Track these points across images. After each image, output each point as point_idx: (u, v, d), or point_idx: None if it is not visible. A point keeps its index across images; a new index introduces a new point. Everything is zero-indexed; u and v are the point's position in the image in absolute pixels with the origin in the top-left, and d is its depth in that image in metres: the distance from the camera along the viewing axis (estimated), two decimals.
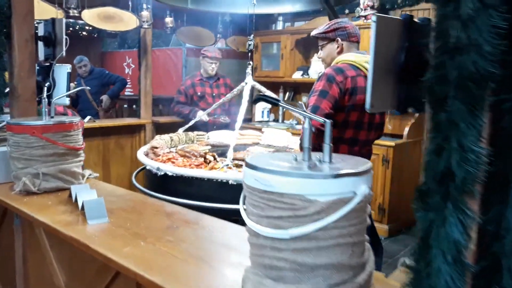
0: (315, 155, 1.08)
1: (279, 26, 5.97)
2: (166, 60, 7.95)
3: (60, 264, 1.73)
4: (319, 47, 2.65)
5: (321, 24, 5.44)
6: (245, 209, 1.09)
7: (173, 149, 3.66)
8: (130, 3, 4.60)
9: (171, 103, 7.83)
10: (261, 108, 6.10)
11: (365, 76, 2.40)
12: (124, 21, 4.55)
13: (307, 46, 5.88)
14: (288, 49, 5.70)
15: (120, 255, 1.23)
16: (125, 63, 8.80)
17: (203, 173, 2.78)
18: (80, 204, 1.61)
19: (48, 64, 2.31)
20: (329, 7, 3.79)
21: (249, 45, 3.46)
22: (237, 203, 2.61)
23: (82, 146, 2.02)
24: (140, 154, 3.29)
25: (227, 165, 2.83)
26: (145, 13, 4.67)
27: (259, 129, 4.50)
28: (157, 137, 3.66)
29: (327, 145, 1.04)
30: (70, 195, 1.78)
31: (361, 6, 5.06)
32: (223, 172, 2.78)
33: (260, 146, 3.92)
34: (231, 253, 1.27)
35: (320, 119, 1.05)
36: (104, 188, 2.00)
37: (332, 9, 3.84)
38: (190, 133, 3.98)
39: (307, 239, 0.94)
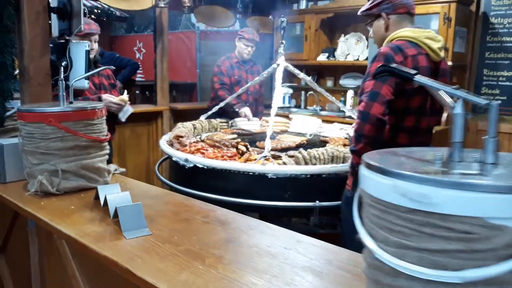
0: (469, 154, 0.74)
1: (302, 5, 5.57)
2: (178, 44, 7.59)
3: (85, 277, 1.42)
4: (367, 26, 2.33)
5: (349, 2, 5.07)
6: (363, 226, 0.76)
7: (197, 137, 3.34)
8: None
9: (186, 89, 7.58)
10: (282, 93, 5.74)
11: (427, 55, 2.06)
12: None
13: (333, 26, 5.49)
14: (313, 29, 5.31)
15: (176, 286, 0.92)
16: (136, 48, 8.45)
17: (238, 165, 2.46)
18: (111, 211, 1.29)
19: (63, 40, 1.97)
20: None
21: (282, 22, 3.10)
22: (277, 199, 2.28)
23: (107, 136, 1.70)
24: (163, 144, 2.98)
25: (265, 156, 2.51)
26: None
27: (285, 116, 4.16)
28: (180, 125, 3.33)
29: (492, 140, 0.71)
30: (96, 197, 1.47)
31: None
32: (260, 164, 2.45)
33: (290, 133, 3.59)
34: (325, 284, 0.95)
35: (476, 97, 0.72)
36: (136, 187, 1.67)
37: None
38: (213, 120, 3.65)
39: (485, 284, 0.62)
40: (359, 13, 2.35)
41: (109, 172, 1.72)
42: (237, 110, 3.80)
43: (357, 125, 1.96)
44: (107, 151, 1.71)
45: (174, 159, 2.71)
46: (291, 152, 2.65)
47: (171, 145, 2.95)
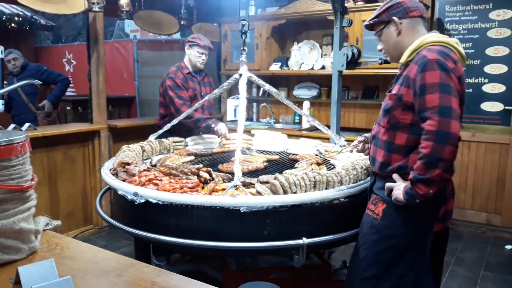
0: None
1: (251, 11, 5.21)
2: (114, 54, 6.96)
3: None
4: (377, 38, 2.00)
5: (301, 8, 4.77)
6: None
7: (147, 161, 2.83)
8: None
9: (123, 103, 6.93)
10: (233, 105, 5.34)
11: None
12: (67, 2, 3.60)
13: (285, 34, 5.19)
14: (264, 37, 4.97)
15: None
16: (65, 59, 7.67)
17: (202, 199, 2.00)
18: None
19: None
20: None
21: (243, 26, 2.70)
22: (253, 239, 1.83)
23: (33, 183, 1.19)
24: (106, 174, 2.44)
25: (236, 185, 2.08)
26: None
27: (247, 132, 3.74)
28: (125, 147, 2.80)
29: None
30: (17, 281, 0.96)
31: None
32: (229, 196, 2.02)
33: (254, 152, 3.19)
34: None
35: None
36: (80, 256, 1.17)
37: None
38: (164, 140, 3.15)
39: None
40: (365, 23, 2.01)
41: (37, 233, 1.20)
42: (213, 126, 3.40)
43: (432, 148, 1.62)
44: (33, 203, 1.20)
45: (120, 193, 2.20)
46: (264, 178, 2.24)
47: (116, 174, 2.43)
